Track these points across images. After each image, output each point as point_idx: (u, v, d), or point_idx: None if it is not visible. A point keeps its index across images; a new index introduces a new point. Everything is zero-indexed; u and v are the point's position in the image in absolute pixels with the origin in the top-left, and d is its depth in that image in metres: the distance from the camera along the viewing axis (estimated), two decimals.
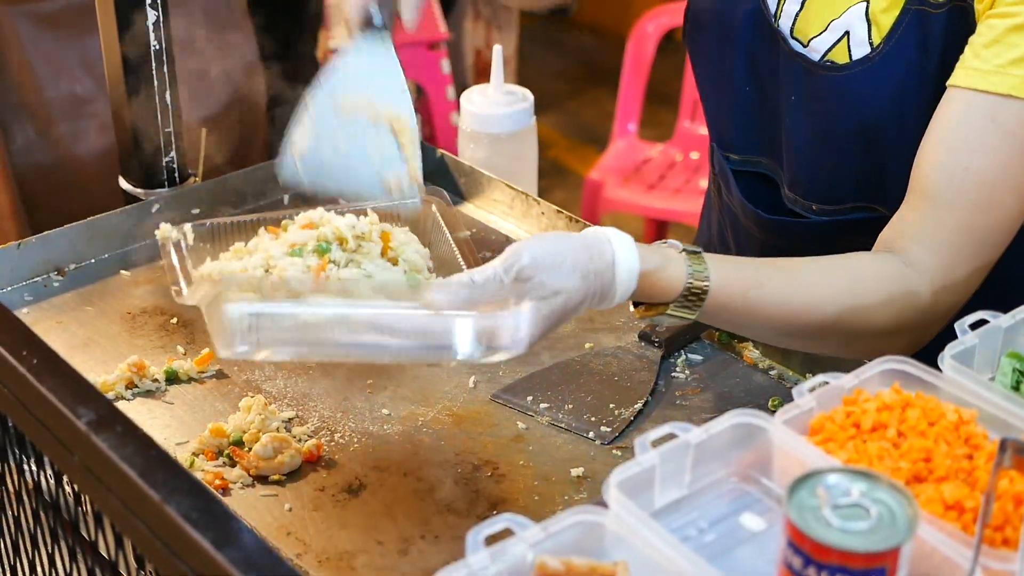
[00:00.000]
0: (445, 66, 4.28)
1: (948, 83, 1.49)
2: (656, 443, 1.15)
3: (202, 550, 1.04)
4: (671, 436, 1.16)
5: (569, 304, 1.36)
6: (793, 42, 1.64)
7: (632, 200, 4.02)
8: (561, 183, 4.68)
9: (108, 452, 1.14)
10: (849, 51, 1.59)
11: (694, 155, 4.17)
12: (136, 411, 1.61)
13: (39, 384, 1.22)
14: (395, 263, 1.47)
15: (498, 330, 1.32)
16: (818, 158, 1.63)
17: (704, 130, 4.11)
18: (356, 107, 1.58)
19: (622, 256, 1.38)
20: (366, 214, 1.49)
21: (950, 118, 1.48)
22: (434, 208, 1.56)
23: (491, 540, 1.07)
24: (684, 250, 1.44)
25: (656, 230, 4.37)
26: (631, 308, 1.46)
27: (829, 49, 1.60)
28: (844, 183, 1.63)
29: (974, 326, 1.31)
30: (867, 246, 1.61)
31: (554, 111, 5.12)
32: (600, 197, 4.00)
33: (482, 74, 4.69)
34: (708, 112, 1.80)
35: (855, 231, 1.64)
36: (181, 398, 1.65)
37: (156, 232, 1.49)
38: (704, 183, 4.04)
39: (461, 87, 4.67)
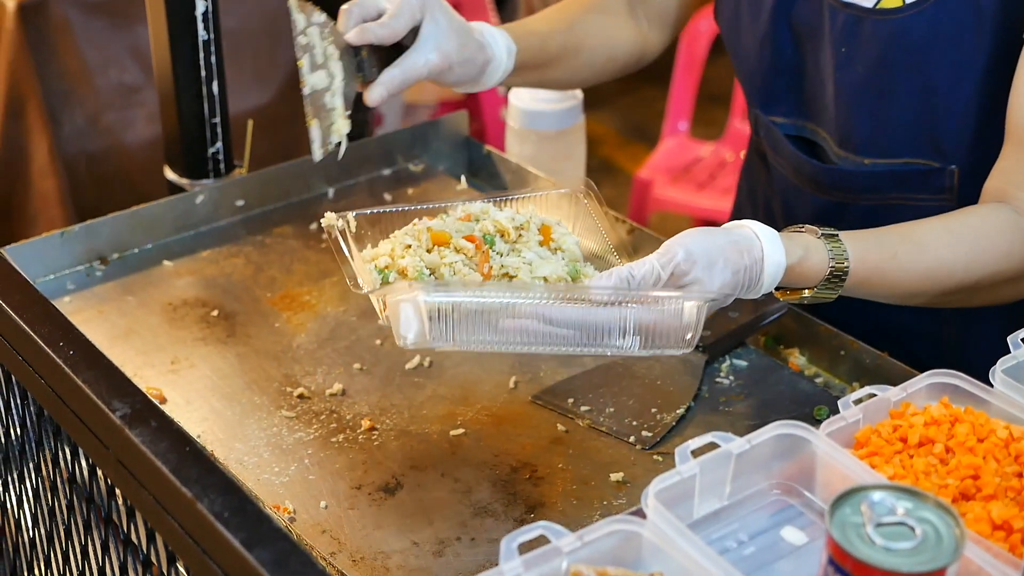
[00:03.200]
0: None
1: None
2: (697, 452, 1.13)
3: (233, 550, 1.03)
4: (712, 445, 1.14)
5: (721, 300, 1.41)
6: None
7: (681, 199, 3.98)
8: (610, 180, 4.65)
9: (142, 447, 1.14)
10: None
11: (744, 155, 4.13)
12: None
13: (75, 376, 1.22)
14: (554, 253, 1.52)
15: (661, 327, 1.37)
16: (872, 110, 1.62)
17: None
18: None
19: (770, 251, 1.42)
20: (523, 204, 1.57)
21: None
22: (584, 201, 1.60)
23: (526, 547, 1.05)
24: (823, 234, 1.47)
25: None
26: (773, 292, 1.49)
27: None
28: (898, 136, 1.62)
29: None
30: (922, 198, 1.61)
31: (605, 108, 5.08)
32: (649, 196, 3.96)
33: None
34: (748, 81, 1.78)
35: (910, 182, 1.63)
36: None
37: (321, 220, 1.54)
38: None
39: None
